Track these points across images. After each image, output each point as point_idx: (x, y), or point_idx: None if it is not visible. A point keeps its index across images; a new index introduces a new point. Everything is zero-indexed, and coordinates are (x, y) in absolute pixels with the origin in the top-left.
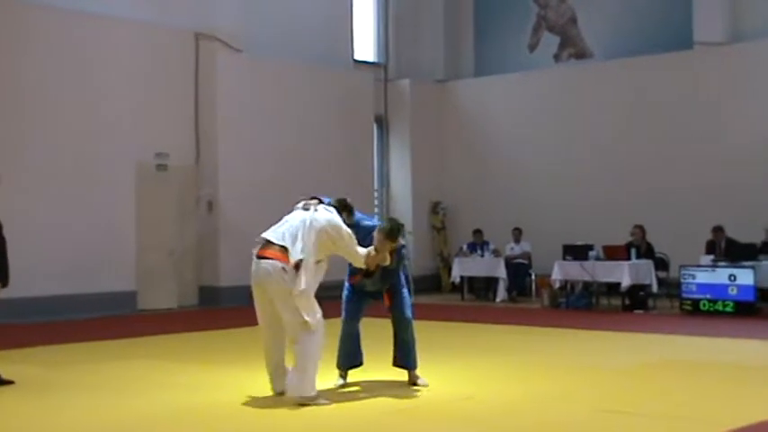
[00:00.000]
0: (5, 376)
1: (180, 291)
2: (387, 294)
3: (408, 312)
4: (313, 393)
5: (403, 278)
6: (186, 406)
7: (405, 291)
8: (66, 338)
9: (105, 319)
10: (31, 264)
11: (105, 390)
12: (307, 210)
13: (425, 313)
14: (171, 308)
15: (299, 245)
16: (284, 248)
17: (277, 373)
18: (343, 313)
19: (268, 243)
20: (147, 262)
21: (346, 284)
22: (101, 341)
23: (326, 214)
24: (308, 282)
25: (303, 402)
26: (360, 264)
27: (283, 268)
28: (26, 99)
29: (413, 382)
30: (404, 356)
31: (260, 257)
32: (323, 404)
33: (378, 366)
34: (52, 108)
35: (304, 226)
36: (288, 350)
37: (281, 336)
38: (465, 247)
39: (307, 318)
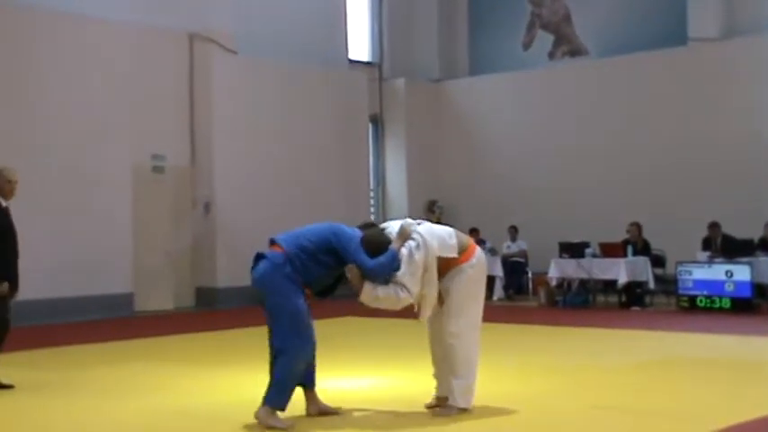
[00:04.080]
0: (4, 380)
1: (177, 292)
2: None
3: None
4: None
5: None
6: (184, 408)
7: None
8: (63, 341)
9: (102, 321)
10: (27, 266)
11: (103, 392)
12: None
13: None
14: (168, 309)
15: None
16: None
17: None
18: None
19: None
20: (143, 264)
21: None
22: (98, 343)
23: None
24: None
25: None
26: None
27: None
28: (21, 101)
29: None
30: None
31: None
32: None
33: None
34: (48, 110)
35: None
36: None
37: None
38: None
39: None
